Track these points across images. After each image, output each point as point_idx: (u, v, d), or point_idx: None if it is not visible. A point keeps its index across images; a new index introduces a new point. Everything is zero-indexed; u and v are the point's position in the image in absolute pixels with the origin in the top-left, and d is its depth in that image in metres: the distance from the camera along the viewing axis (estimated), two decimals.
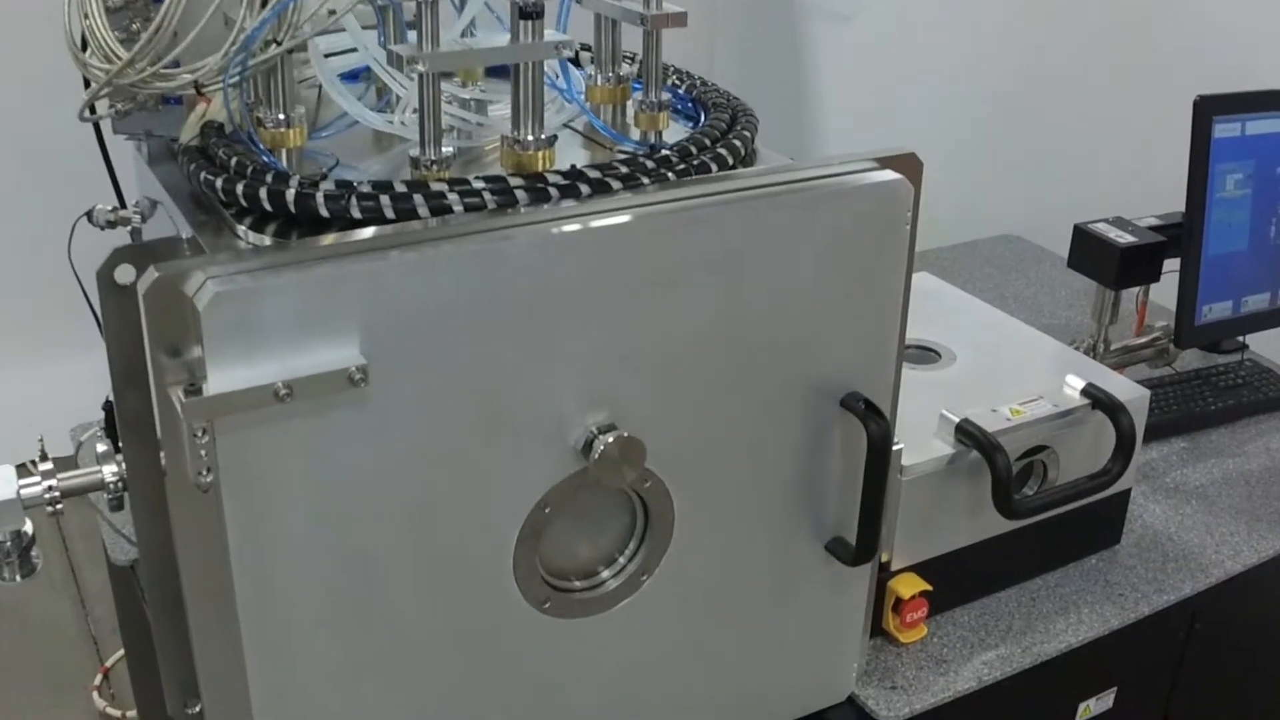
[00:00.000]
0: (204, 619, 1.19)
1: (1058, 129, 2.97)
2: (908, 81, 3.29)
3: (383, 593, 1.18)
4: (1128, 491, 1.79)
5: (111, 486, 1.24)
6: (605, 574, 1.30)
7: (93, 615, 2.97)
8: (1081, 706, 1.75)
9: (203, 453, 1.06)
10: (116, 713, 2.68)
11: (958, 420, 1.58)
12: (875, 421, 1.33)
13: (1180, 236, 1.95)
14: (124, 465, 1.23)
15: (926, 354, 1.80)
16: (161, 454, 1.16)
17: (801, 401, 1.32)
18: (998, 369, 1.77)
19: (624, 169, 1.22)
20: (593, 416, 1.21)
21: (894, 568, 1.59)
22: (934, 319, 1.85)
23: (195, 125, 1.29)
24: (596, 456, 1.20)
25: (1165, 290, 2.13)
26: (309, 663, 1.18)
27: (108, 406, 1.55)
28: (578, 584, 1.30)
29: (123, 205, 1.52)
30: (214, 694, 1.22)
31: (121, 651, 2.65)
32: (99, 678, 2.74)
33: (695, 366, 1.25)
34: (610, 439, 1.19)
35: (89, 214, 1.47)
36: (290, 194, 1.16)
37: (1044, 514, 1.66)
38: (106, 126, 1.38)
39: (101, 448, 1.29)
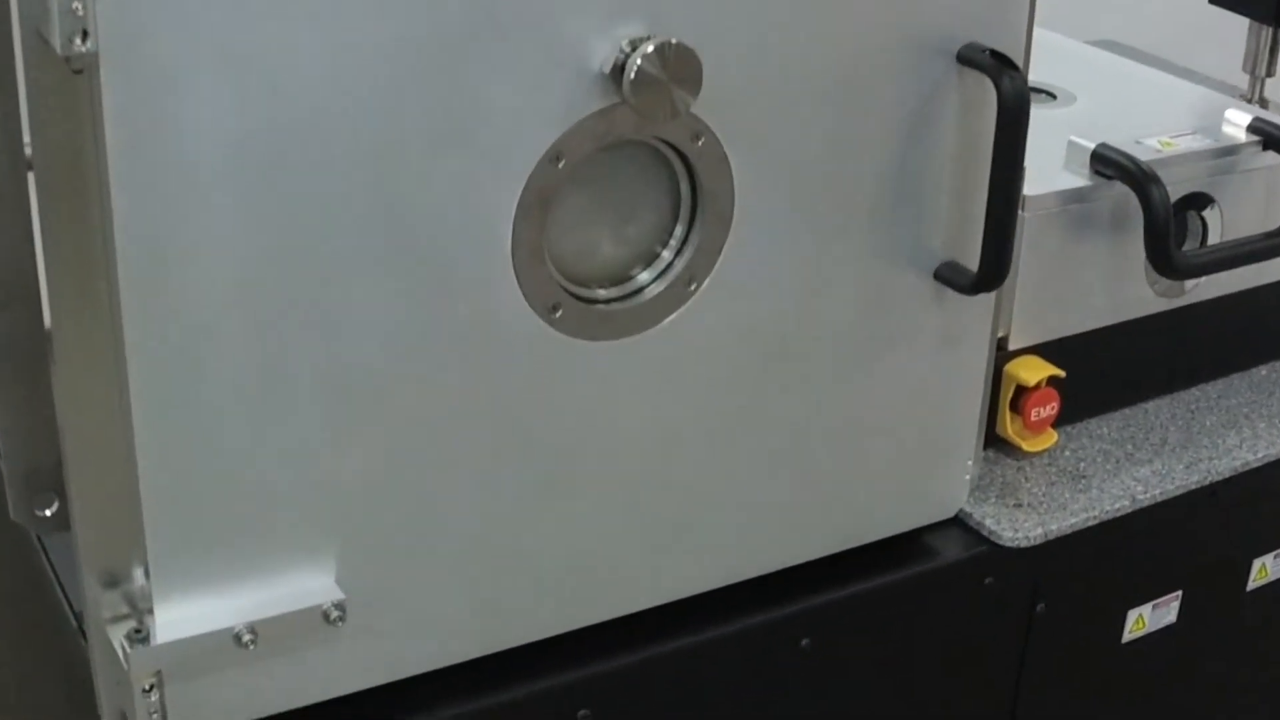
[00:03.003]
0: (68, 334, 1.03)
1: None
2: None
3: (324, 276, 1.04)
4: None
5: None
6: (642, 276, 1.17)
7: None
8: (1257, 565, 1.64)
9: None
10: None
11: (1093, 146, 1.46)
12: (1008, 76, 1.20)
13: None
14: None
15: (1037, 94, 1.68)
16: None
17: (905, 52, 1.20)
18: (1131, 109, 1.68)
19: None
20: (624, 28, 1.07)
21: (1013, 347, 1.47)
22: (1043, 62, 1.72)
23: None
24: (632, 78, 1.05)
25: None
26: (216, 386, 1.04)
27: None
28: (602, 292, 1.16)
29: None
30: (81, 459, 1.07)
31: None
32: None
33: None
34: (650, 49, 1.05)
35: None
36: None
37: (1208, 281, 1.56)
38: None
39: None
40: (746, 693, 1.31)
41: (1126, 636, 1.55)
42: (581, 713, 1.23)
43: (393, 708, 1.17)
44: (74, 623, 1.22)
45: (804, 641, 1.32)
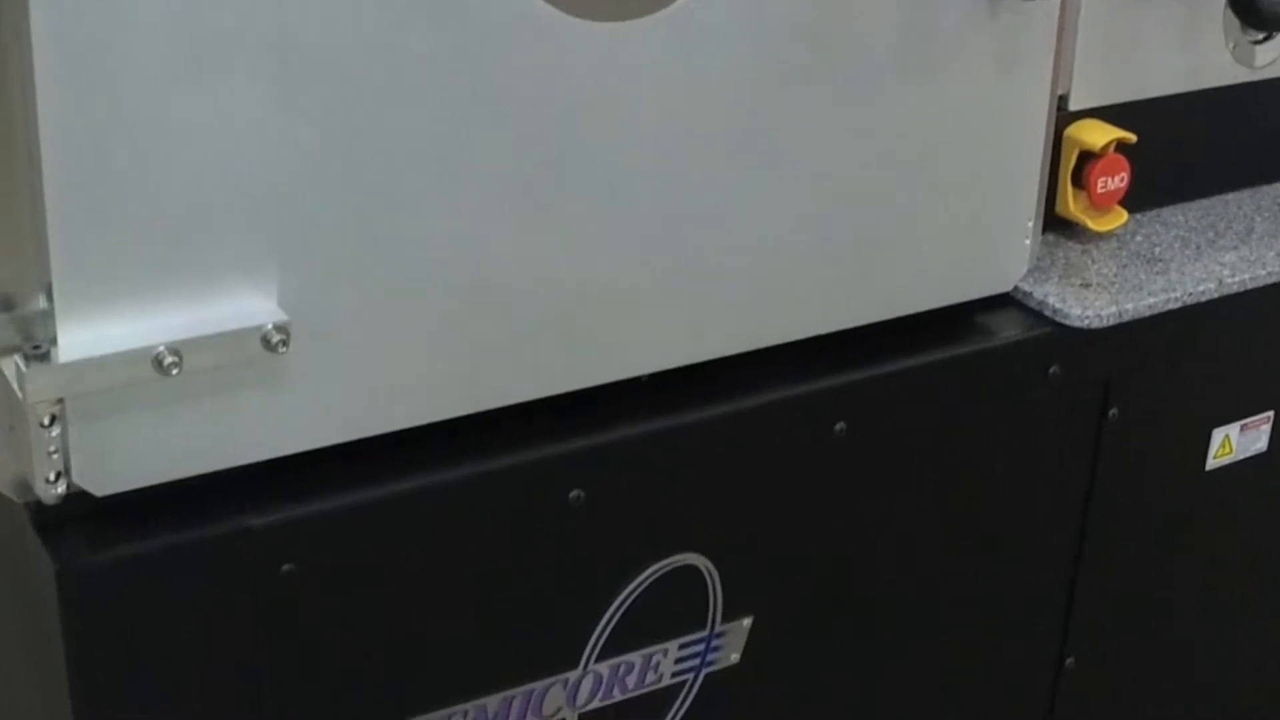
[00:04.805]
0: None
1: None
2: None
3: None
4: None
5: None
6: None
7: None
8: None
9: None
10: None
11: None
12: None
13: None
14: None
15: None
16: None
17: None
18: None
19: None
20: None
21: (1074, 107, 1.40)
22: None
23: None
24: None
25: None
26: (137, 51, 0.96)
27: None
28: None
29: None
30: None
31: None
32: None
33: None
34: None
35: None
36: None
37: None
38: None
39: None
40: (768, 481, 1.24)
41: (1211, 463, 1.48)
42: (574, 493, 1.15)
43: (350, 475, 1.08)
44: None
45: (838, 425, 1.25)
